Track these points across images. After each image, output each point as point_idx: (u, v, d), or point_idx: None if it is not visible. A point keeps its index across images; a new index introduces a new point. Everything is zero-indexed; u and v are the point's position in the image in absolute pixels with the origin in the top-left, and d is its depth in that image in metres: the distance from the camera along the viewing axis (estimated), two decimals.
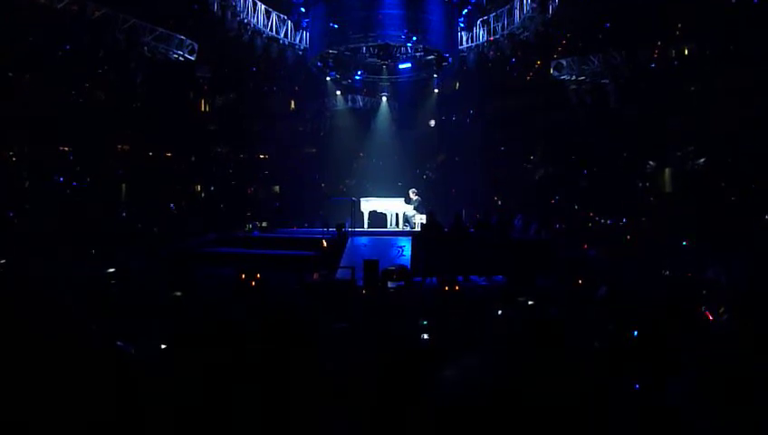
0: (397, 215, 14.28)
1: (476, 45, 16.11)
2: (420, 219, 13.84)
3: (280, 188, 19.67)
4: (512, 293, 6.80)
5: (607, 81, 15.06)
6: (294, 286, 7.84)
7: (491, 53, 15.75)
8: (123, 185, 14.53)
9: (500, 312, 4.92)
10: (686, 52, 13.76)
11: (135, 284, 7.15)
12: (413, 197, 13.91)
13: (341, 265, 10.64)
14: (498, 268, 10.66)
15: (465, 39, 16.22)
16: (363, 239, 12.04)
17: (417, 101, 19.28)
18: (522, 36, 14.71)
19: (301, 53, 16.41)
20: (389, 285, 8.41)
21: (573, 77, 15.59)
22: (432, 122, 19.85)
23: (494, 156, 18.60)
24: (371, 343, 3.68)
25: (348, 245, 11.73)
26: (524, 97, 17.27)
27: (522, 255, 11.13)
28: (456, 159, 19.41)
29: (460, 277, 10.55)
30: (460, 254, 10.64)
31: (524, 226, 13.95)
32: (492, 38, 15.52)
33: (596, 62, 15.05)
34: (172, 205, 15.26)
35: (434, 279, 10.05)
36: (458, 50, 15.94)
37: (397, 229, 13.86)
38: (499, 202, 17.42)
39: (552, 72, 15.57)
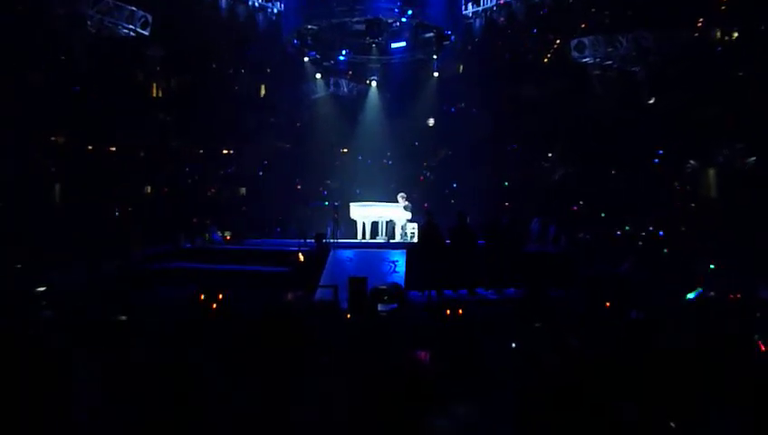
0: (388, 223, 14.44)
1: (484, 10, 16.16)
2: (412, 229, 14.05)
3: (247, 191, 19.72)
4: (526, 315, 7.02)
5: (637, 68, 15.20)
6: (264, 309, 7.91)
7: (501, 18, 15.77)
8: (57, 185, 14.50)
9: (513, 345, 4.96)
10: (734, 34, 13.91)
11: (70, 306, 7.22)
12: (402, 202, 14.21)
13: (322, 283, 10.79)
14: (510, 280, 11.04)
15: (470, 4, 16.28)
16: (348, 252, 12.24)
17: (412, 86, 19.34)
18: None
19: (274, 18, 16.42)
20: (380, 307, 8.50)
21: (597, 60, 15.66)
22: (431, 121, 20.12)
23: (504, 152, 18.75)
24: (357, 382, 3.67)
25: (330, 259, 11.89)
26: (541, 83, 17.49)
27: (538, 270, 11.37)
28: (460, 156, 19.55)
29: (464, 291, 10.91)
30: (464, 265, 11.02)
31: (542, 230, 14.13)
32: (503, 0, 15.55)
33: (624, 44, 15.11)
34: (117, 210, 15.32)
35: (433, 293, 10.46)
36: (462, 26, 16.07)
37: (390, 241, 14.13)
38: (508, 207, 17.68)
39: (572, 52, 15.72)
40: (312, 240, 12.31)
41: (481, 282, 11.15)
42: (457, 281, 11.16)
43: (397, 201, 14.35)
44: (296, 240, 12.85)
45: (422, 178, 20.20)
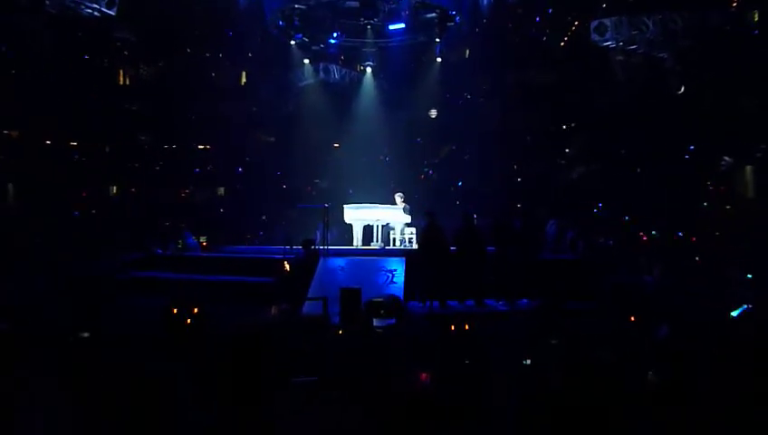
0: (384, 227, 14.50)
1: None
2: (411, 233, 14.25)
3: (226, 191, 19.73)
4: (541, 330, 7.16)
5: (665, 53, 15.17)
6: (246, 325, 8.02)
7: None
8: (9, 185, 14.50)
9: (527, 361, 5.03)
10: None
11: (26, 319, 7.30)
12: (400, 203, 14.39)
13: (310, 295, 10.83)
14: (522, 290, 11.18)
15: None
16: (340, 261, 12.33)
17: (412, 73, 19.38)
18: None
19: None
20: (375, 323, 8.55)
21: (620, 44, 15.58)
22: (433, 112, 20.15)
23: (516, 148, 18.74)
24: (349, 407, 3.72)
25: (319, 268, 11.97)
26: (557, 69, 17.52)
27: (555, 278, 11.47)
28: (466, 151, 19.59)
29: (471, 302, 11.07)
30: (471, 272, 11.15)
31: (559, 233, 14.19)
32: None
33: (651, 26, 15.03)
34: (77, 212, 15.27)
35: (435, 304, 10.63)
36: (468, 5, 16.14)
37: (385, 247, 14.15)
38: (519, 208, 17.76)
39: (591, 35, 15.45)
40: (300, 247, 12.27)
41: (490, 292, 11.25)
42: (463, 290, 11.27)
43: (394, 202, 14.50)
44: (281, 247, 12.92)
45: (423, 176, 20.25)
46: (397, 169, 19.33)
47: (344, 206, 14.50)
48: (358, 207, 14.42)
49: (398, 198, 14.49)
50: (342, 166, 19.84)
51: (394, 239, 14.45)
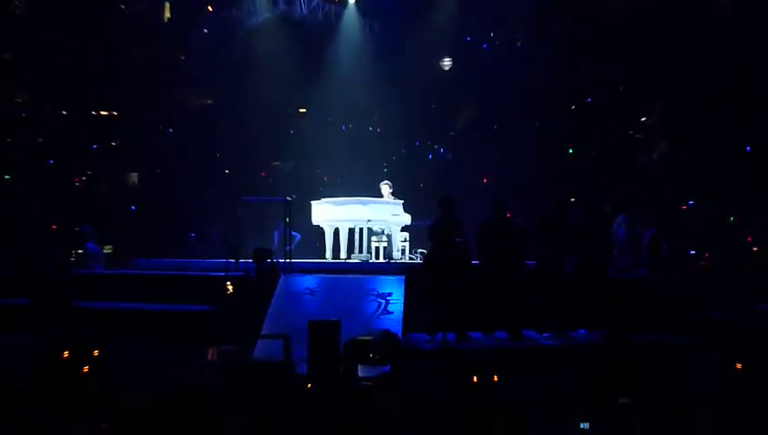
0: (372, 232, 14.77)
1: None
2: (402, 241, 14.50)
3: (141, 178, 19.88)
4: (609, 381, 7.23)
5: None
6: (171, 378, 8.17)
7: None
8: None
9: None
10: None
11: None
12: (387, 196, 15.04)
13: (265, 331, 11.03)
14: (579, 316, 11.44)
15: None
16: (309, 281, 12.54)
17: (416, 6, 19.55)
18: None
19: None
20: (361, 372, 8.61)
21: None
22: (446, 62, 20.30)
23: (568, 114, 18.89)
24: None
25: (279, 291, 12.18)
26: (624, 4, 17.87)
27: (627, 299, 11.72)
28: (494, 120, 19.74)
29: (502, 334, 11.30)
30: (504, 289, 11.38)
31: (630, 237, 14.40)
32: None
33: None
34: None
35: (450, 337, 10.78)
36: None
37: (376, 260, 14.54)
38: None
39: None
40: (250, 260, 12.37)
41: (531, 318, 11.46)
42: (492, 317, 11.46)
43: (380, 195, 15.01)
44: (222, 260, 12.84)
45: (430, 156, 20.52)
46: (393, 147, 19.71)
47: (313, 202, 14.75)
48: (335, 203, 14.71)
49: (385, 188, 14.97)
50: (312, 142, 19.96)
51: (388, 250, 14.79)
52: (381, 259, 14.76)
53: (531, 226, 12.36)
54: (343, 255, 14.58)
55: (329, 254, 14.68)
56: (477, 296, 11.34)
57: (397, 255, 14.83)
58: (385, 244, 14.87)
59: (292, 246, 13.71)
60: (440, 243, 11.56)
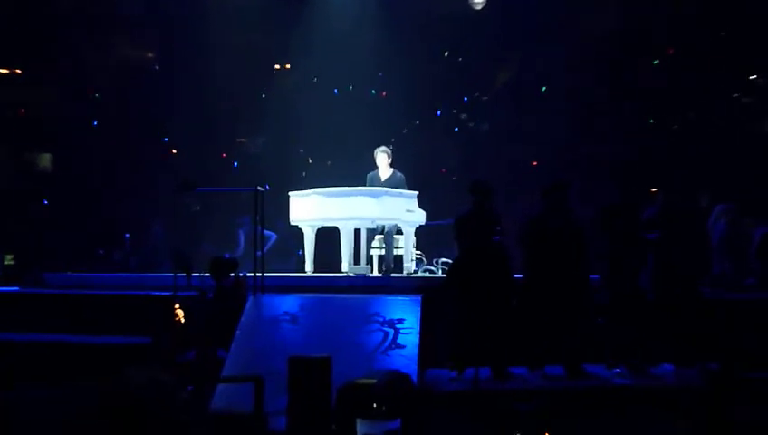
0: (373, 233, 15.14)
1: None
2: (419, 255, 15.38)
3: (53, 160, 20.26)
4: None
5: None
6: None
7: None
8: None
9: None
10: None
11: None
12: (384, 167, 15.30)
13: (227, 371, 11.03)
14: (664, 346, 11.41)
15: None
16: (288, 302, 12.53)
17: None
18: None
19: None
20: (360, 429, 8.64)
21: None
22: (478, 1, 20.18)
23: (645, 74, 18.90)
24: None
25: (247, 316, 12.16)
26: None
27: (738, 330, 11.63)
28: (544, 81, 19.67)
29: (557, 369, 11.26)
30: (561, 310, 11.28)
31: (732, 233, 14.18)
32: None
33: None
34: None
35: (484, 372, 10.81)
36: None
37: (380, 273, 14.91)
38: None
39: None
40: (207, 274, 12.14)
41: (594, 348, 11.38)
42: (542, 346, 11.33)
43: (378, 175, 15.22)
44: (168, 275, 12.88)
45: (457, 129, 20.40)
46: (403, 118, 19.90)
47: (293, 194, 14.86)
48: (328, 195, 14.66)
49: (382, 157, 15.22)
50: (293, 111, 20.12)
51: (386, 257, 14.97)
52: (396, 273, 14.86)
53: (591, 223, 12.24)
54: (345, 267, 14.37)
55: (309, 266, 14.83)
56: (521, 318, 11.28)
57: (409, 266, 14.85)
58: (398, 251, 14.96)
59: (265, 250, 14.00)
60: (471, 244, 11.57)
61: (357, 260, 14.65)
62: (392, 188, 14.74)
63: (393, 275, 14.60)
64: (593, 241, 11.81)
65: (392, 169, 15.17)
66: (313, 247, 14.90)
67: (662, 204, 13.05)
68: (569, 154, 18.60)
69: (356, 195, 14.44)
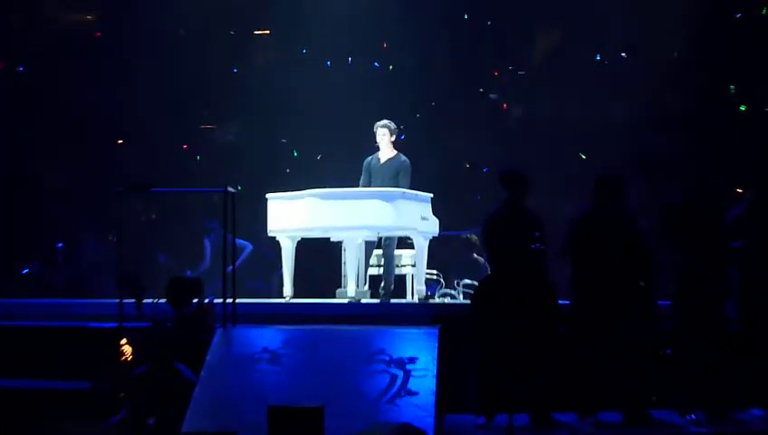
0: (372, 247, 15.26)
1: None
2: (436, 275, 15.80)
3: None
4: None
5: None
6: None
7: None
8: None
9: None
10: None
11: None
12: (386, 145, 15.39)
13: (189, 426, 10.74)
14: (746, 388, 11.44)
15: None
16: (270, 336, 12.40)
17: None
18: None
19: None
20: None
21: None
22: None
23: (729, 40, 18.80)
24: None
25: (215, 353, 11.96)
26: None
27: None
28: (592, 51, 19.62)
29: (612, 415, 11.19)
30: (621, 337, 11.23)
31: None
32: None
33: None
34: None
35: (520, 419, 10.78)
36: None
37: (379, 297, 14.94)
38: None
39: None
40: (164, 300, 12.15)
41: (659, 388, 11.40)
42: (594, 387, 11.24)
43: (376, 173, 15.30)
44: (112, 300, 12.85)
45: (494, 103, 20.33)
46: (416, 98, 19.86)
47: (271, 196, 14.94)
48: (317, 199, 14.58)
49: (383, 133, 15.19)
50: (273, 89, 20.22)
51: (386, 277, 15.05)
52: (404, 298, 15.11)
53: (658, 229, 12.16)
54: (351, 292, 14.32)
55: (288, 289, 14.87)
56: (568, 351, 11.30)
57: (422, 289, 14.83)
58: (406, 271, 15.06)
59: (238, 264, 14.28)
60: (502, 254, 11.53)
61: (344, 282, 14.62)
62: (388, 174, 14.89)
63: (396, 300, 14.69)
64: (659, 252, 11.73)
65: (395, 152, 15.13)
66: (293, 264, 14.83)
67: (751, 204, 12.78)
68: (629, 145, 18.38)
69: (365, 197, 14.30)
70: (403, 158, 15.13)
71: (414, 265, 15.23)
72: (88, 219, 18.79)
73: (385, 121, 15.29)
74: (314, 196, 14.39)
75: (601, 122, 19.32)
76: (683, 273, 11.50)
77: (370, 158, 15.30)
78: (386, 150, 15.12)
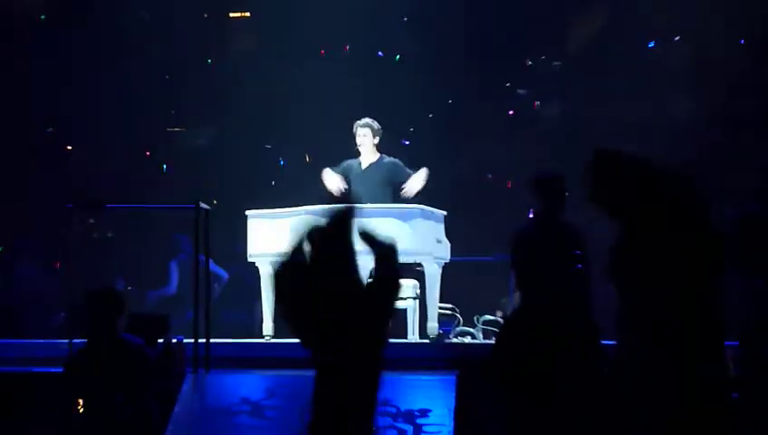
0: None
1: None
2: (450, 309, 16.05)
3: None
4: None
5: None
6: None
7: None
8: None
9: None
10: None
11: None
12: (369, 147, 15.74)
13: None
14: None
15: None
16: (250, 383, 12.91)
17: None
18: None
19: None
20: None
21: None
22: None
23: None
24: None
25: (184, 405, 12.27)
26: None
27: None
28: (642, 38, 19.62)
29: None
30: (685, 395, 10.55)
31: None
32: None
33: None
34: None
35: None
36: None
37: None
38: None
39: None
40: (140, 340, 11.74)
41: None
42: None
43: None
44: (60, 341, 13.14)
45: (530, 101, 20.41)
46: (429, 91, 19.85)
47: (252, 213, 15.20)
48: (303, 219, 13.56)
49: (365, 132, 15.47)
50: (257, 85, 20.49)
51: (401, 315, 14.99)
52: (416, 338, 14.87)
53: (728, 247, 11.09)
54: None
55: (267, 325, 14.90)
56: (616, 398, 9.98)
57: (434, 327, 14.85)
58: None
59: (216, 296, 14.39)
60: (537, 282, 11.31)
61: None
62: (376, 182, 15.20)
63: (394, 340, 14.13)
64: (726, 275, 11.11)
65: (378, 154, 15.42)
66: (272, 296, 14.08)
67: None
68: (689, 144, 18.13)
69: (377, 216, 14.08)
70: (388, 159, 15.39)
71: (416, 298, 14.98)
72: (22, 243, 18.62)
73: (367, 120, 15.47)
74: (312, 214, 13.82)
75: (656, 120, 19.21)
76: (753, 302, 11.25)
77: (349, 162, 15.41)
78: (368, 154, 15.29)
